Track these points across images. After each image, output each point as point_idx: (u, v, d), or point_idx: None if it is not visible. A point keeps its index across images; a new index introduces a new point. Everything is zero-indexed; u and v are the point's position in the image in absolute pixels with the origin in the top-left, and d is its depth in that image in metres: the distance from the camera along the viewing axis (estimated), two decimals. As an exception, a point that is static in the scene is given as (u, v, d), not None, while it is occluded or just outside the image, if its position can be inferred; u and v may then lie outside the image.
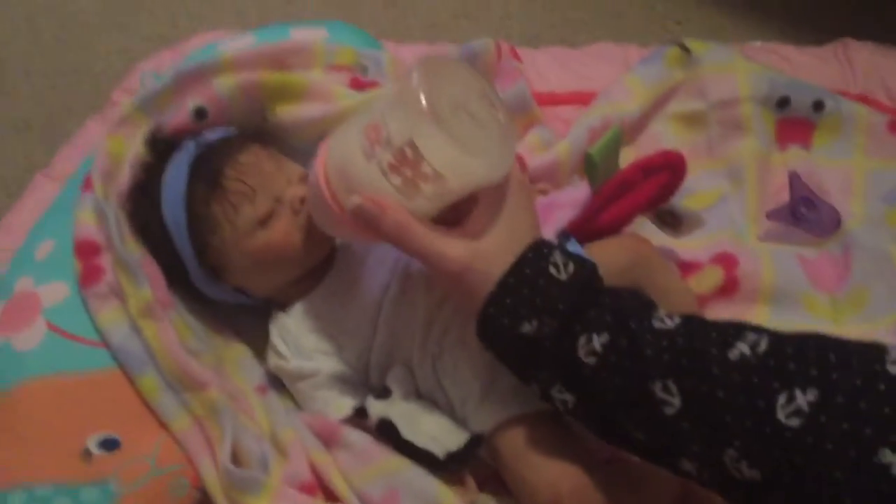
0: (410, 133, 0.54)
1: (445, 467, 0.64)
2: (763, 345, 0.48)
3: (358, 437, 0.67)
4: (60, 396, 0.66)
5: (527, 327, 0.55)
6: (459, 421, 0.68)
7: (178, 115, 0.78)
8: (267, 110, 0.80)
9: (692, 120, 0.90)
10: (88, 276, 0.71)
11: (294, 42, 0.87)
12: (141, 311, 0.68)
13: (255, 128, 0.77)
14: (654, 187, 0.74)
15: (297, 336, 0.72)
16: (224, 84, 0.79)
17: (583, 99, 0.94)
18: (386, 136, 0.55)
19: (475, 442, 0.65)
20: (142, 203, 0.72)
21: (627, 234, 0.75)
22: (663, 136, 0.90)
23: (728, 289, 0.77)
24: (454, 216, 0.60)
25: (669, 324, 0.53)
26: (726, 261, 0.78)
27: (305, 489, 0.66)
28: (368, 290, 0.71)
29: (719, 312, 0.76)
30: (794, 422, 0.44)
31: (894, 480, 0.41)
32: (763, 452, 0.46)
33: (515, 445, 0.63)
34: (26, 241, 0.77)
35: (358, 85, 0.85)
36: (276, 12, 1.35)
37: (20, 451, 0.63)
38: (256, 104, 0.80)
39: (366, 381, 0.72)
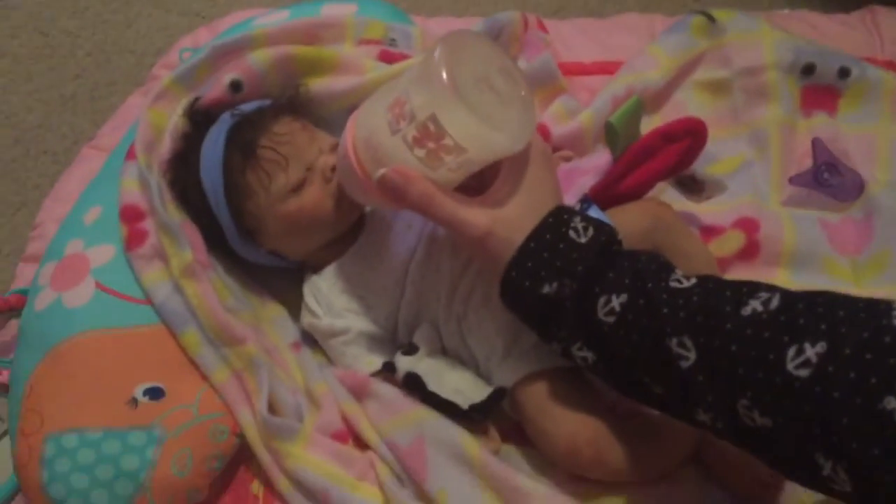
0: (432, 107, 0.56)
1: (469, 417, 0.67)
2: (775, 302, 0.50)
3: (386, 390, 0.70)
4: (108, 349, 0.69)
5: (547, 289, 0.57)
6: (483, 376, 0.70)
7: (215, 88, 0.80)
8: (300, 83, 0.82)
9: (717, 88, 0.90)
10: (133, 239, 0.74)
11: (325, 17, 0.89)
12: (183, 272, 0.72)
13: (288, 99, 0.80)
14: (676, 154, 0.74)
15: (328, 296, 0.74)
16: (258, 58, 0.81)
17: (608, 69, 0.94)
18: (410, 111, 0.57)
19: (498, 395, 0.67)
20: (182, 171, 0.75)
21: (649, 199, 0.76)
22: (688, 105, 0.90)
23: (749, 252, 0.78)
24: (478, 183, 0.62)
25: (686, 283, 0.54)
26: (748, 225, 0.78)
27: (337, 437, 0.70)
28: (396, 253, 0.74)
29: (740, 275, 0.76)
30: (803, 372, 0.46)
31: None
32: (774, 401, 0.47)
33: (536, 399, 0.66)
34: (75, 207, 0.81)
35: (388, 58, 0.87)
36: (309, -11, 1.37)
37: (72, 398, 0.67)
38: (290, 77, 0.82)
39: (394, 338, 0.75)
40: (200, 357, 0.70)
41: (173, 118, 0.80)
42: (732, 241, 0.78)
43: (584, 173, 0.78)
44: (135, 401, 0.67)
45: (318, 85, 0.83)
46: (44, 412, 0.67)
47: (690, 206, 0.80)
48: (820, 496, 0.49)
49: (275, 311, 0.79)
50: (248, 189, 0.72)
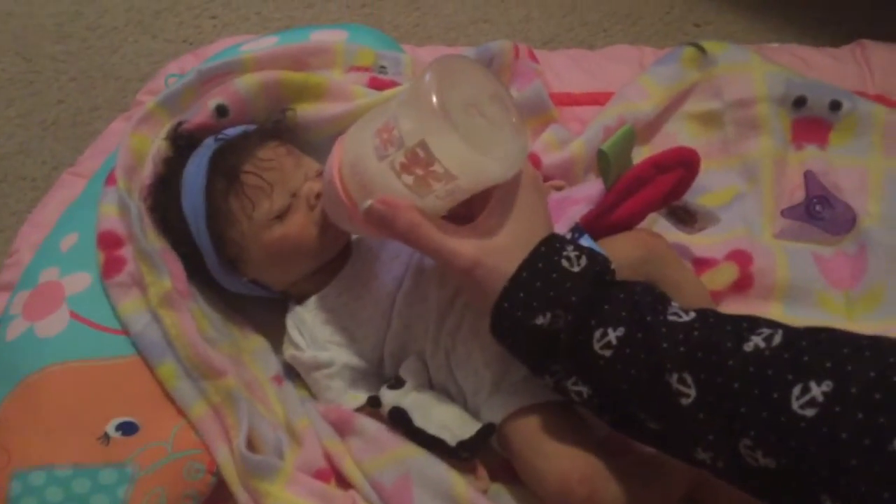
0: (422, 133, 0.55)
1: (456, 455, 0.65)
2: (777, 338, 0.49)
3: (371, 426, 0.68)
4: (81, 381, 0.67)
5: (540, 320, 0.56)
6: (472, 411, 0.68)
7: (201, 112, 0.79)
8: (287, 109, 0.81)
9: (708, 120, 0.90)
10: (110, 267, 0.72)
11: (315, 43, 0.89)
12: (161, 301, 0.70)
13: (274, 124, 0.79)
14: (668, 184, 0.74)
15: (312, 327, 0.73)
16: (245, 83, 0.80)
17: (599, 99, 0.95)
18: (398, 136, 0.56)
19: (486, 431, 0.65)
20: (162, 196, 0.74)
21: (641, 230, 0.76)
22: (679, 136, 0.90)
23: (742, 285, 0.77)
24: (466, 210, 0.61)
25: (685, 317, 0.54)
26: (741, 257, 0.78)
27: (319, 476, 0.67)
28: (382, 283, 0.72)
29: (733, 309, 0.74)
30: (809, 412, 0.45)
31: None
32: (779, 442, 0.46)
33: (527, 435, 0.64)
34: (51, 233, 0.79)
35: (377, 85, 0.86)
36: (299, 18, 1.37)
37: (41, 432, 0.64)
38: (277, 103, 0.81)
39: (379, 371, 0.73)
40: (177, 391, 0.68)
41: (156, 142, 0.78)
42: (725, 274, 0.78)
43: (575, 202, 0.77)
44: (107, 436, 0.65)
45: (306, 111, 0.82)
46: (11, 447, 0.64)
47: (682, 238, 0.80)
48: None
49: (256, 343, 0.77)
50: (230, 215, 0.71)
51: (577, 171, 0.85)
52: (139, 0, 1.38)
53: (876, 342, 0.46)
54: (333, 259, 0.74)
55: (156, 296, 0.70)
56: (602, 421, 0.59)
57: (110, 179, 0.77)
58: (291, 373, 0.76)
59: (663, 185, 0.74)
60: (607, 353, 0.54)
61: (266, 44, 0.91)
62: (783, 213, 0.82)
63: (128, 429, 0.66)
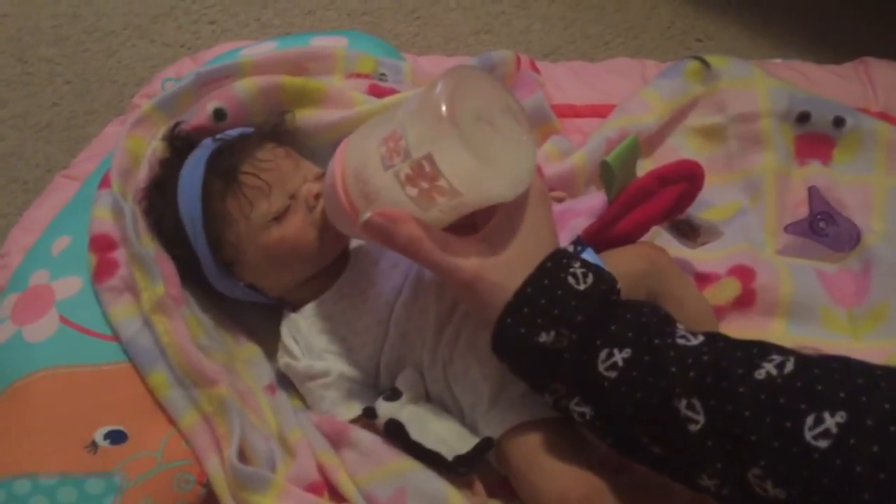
0: (429, 146, 0.53)
1: (453, 469, 0.63)
2: (790, 366, 0.48)
3: (366, 438, 0.66)
4: (69, 388, 0.65)
5: (544, 337, 0.55)
6: (469, 426, 0.67)
7: (198, 116, 0.78)
8: (286, 113, 0.80)
9: (711, 134, 0.89)
10: (102, 271, 0.71)
11: (314, 48, 0.88)
12: (153, 307, 0.68)
13: (273, 127, 0.78)
14: (672, 197, 0.73)
15: (307, 336, 0.71)
16: (244, 87, 0.79)
17: (601, 112, 0.94)
18: (405, 147, 0.55)
19: (484, 446, 0.64)
20: (158, 198, 0.73)
21: (643, 243, 0.75)
22: (681, 150, 0.89)
23: (745, 301, 0.76)
24: (470, 220, 0.60)
25: (693, 341, 0.53)
26: (743, 273, 0.77)
27: (312, 489, 0.66)
28: (380, 293, 0.71)
29: (736, 325, 0.75)
30: (823, 443, 0.44)
31: None
32: (790, 472, 0.46)
33: (525, 451, 0.62)
34: (42, 236, 0.78)
35: (377, 92, 0.86)
36: (298, 25, 1.37)
37: (27, 440, 0.63)
38: (275, 107, 0.80)
39: (376, 382, 0.72)
40: (168, 399, 0.66)
41: (152, 144, 0.77)
42: (728, 290, 0.77)
43: (577, 214, 0.76)
44: (94, 445, 0.63)
45: (305, 116, 0.81)
46: (-5, 454, 0.63)
47: (685, 252, 0.79)
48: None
49: (250, 351, 0.75)
50: (227, 216, 0.70)
51: (578, 182, 0.84)
52: (137, 4, 1.38)
53: (890, 372, 0.46)
54: (331, 266, 0.73)
55: (148, 301, 0.68)
56: (603, 442, 0.58)
57: (104, 182, 0.76)
58: (285, 382, 0.74)
59: (667, 197, 0.73)
60: (612, 374, 0.53)
61: (266, 48, 0.91)
62: (786, 229, 0.81)
63: (116, 437, 0.64)
